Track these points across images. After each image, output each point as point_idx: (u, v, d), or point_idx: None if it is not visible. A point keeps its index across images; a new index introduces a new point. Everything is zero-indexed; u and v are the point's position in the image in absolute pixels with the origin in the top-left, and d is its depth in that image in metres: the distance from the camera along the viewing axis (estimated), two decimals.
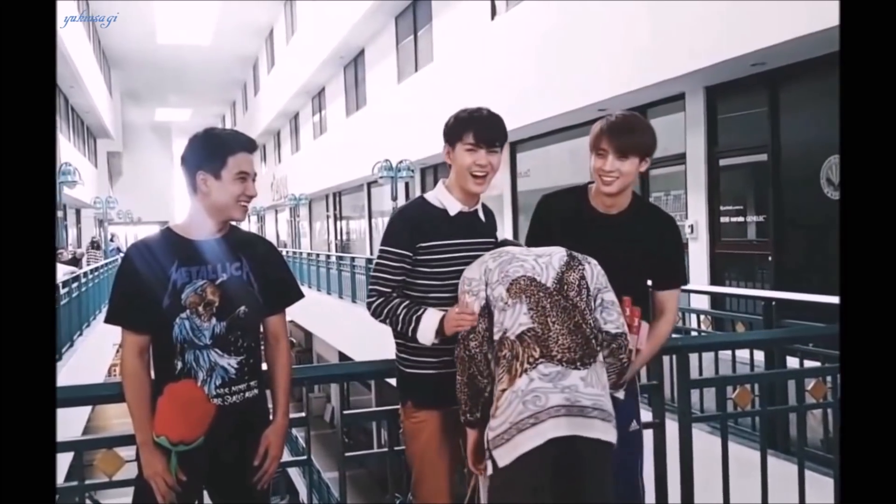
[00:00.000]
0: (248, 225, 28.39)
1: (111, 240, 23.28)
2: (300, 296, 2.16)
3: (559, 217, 2.26)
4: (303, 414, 2.36)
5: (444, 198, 2.15)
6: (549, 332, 1.86)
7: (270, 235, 30.63)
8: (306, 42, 19.75)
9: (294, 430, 9.59)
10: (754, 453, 2.84)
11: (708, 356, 4.78)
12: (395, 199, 13.24)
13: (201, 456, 1.91)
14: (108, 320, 1.96)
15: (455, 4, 11.96)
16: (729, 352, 4.41)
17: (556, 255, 1.99)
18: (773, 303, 4.68)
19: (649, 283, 2.26)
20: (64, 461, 4.36)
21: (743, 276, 6.94)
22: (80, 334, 9.88)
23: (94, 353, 10.79)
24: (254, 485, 2.00)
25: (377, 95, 16.19)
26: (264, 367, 2.10)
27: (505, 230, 10.50)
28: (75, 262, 13.24)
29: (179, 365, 1.91)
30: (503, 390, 1.84)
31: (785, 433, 4.17)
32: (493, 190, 11.18)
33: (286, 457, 2.15)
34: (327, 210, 22.66)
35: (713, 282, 7.02)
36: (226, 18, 22.19)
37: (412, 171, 13.21)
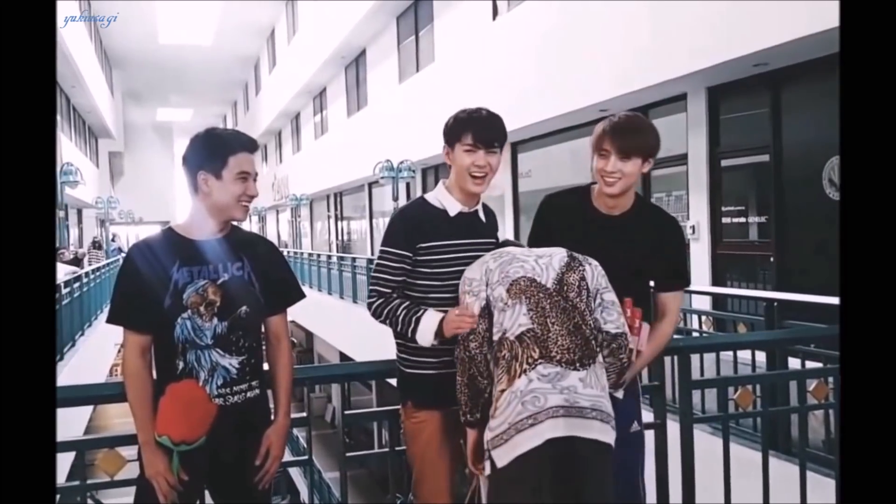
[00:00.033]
0: (250, 225, 28.41)
1: (112, 240, 23.31)
2: (301, 296, 2.16)
3: (561, 218, 2.26)
4: (304, 414, 2.36)
5: (444, 198, 2.15)
6: (549, 333, 1.86)
7: (271, 235, 30.65)
8: (308, 42, 19.76)
9: (295, 430, 9.60)
10: (756, 454, 2.84)
11: (709, 357, 4.78)
12: (396, 199, 13.24)
13: (203, 456, 1.91)
14: (109, 320, 1.97)
15: (456, 5, 11.96)
16: (730, 352, 4.42)
17: (556, 256, 1.99)
18: (775, 304, 4.67)
19: (651, 284, 2.25)
20: (66, 461, 4.37)
21: (744, 276, 6.94)
22: (82, 334, 9.90)
23: (95, 352, 10.81)
24: (255, 484, 2.00)
25: (378, 95, 16.19)
26: (265, 367, 2.10)
27: (506, 231, 10.50)
28: (77, 262, 13.25)
29: (181, 365, 1.91)
30: (502, 391, 1.84)
31: (786, 434, 4.16)
32: (495, 190, 11.22)
33: (287, 457, 2.15)
34: (328, 210, 22.68)
35: (715, 282, 7.02)
36: (227, 18, 22.20)
37: (413, 171, 13.21)
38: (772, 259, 6.42)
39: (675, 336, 2.41)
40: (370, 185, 17.57)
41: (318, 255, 17.24)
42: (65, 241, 15.34)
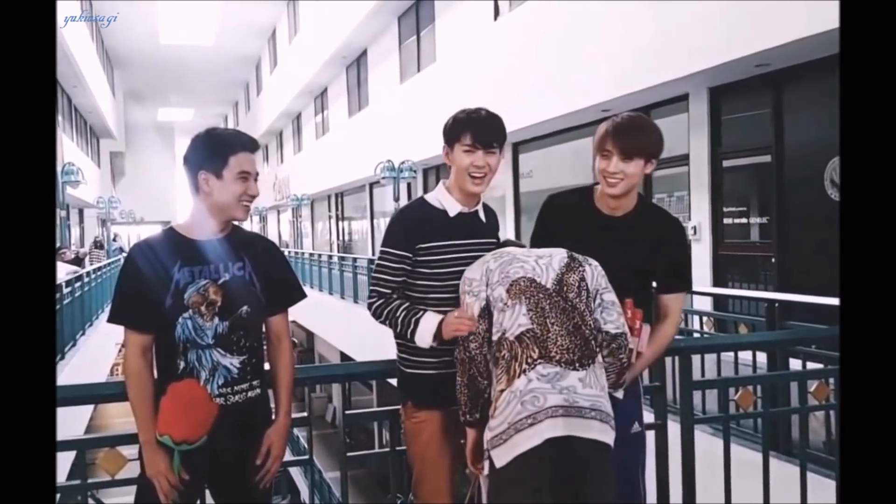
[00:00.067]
0: (251, 225, 28.43)
1: (114, 239, 23.33)
2: (302, 296, 2.16)
3: (564, 218, 2.25)
4: (305, 414, 2.36)
5: (444, 199, 2.15)
6: (548, 334, 1.86)
7: (272, 236, 30.66)
8: (309, 42, 19.76)
9: (296, 430, 9.60)
10: (756, 455, 2.83)
11: (710, 358, 4.78)
12: (397, 199, 13.24)
13: (203, 455, 1.91)
14: (111, 319, 1.97)
15: (458, 5, 11.96)
16: (731, 353, 4.42)
17: (556, 257, 1.99)
18: (776, 304, 4.67)
19: (654, 285, 2.25)
20: (67, 460, 4.36)
21: (746, 277, 6.93)
22: (83, 334, 9.91)
23: (96, 352, 10.82)
24: (256, 484, 2.01)
25: (380, 96, 16.19)
26: (266, 366, 2.10)
27: (507, 231, 10.50)
28: (78, 261, 13.27)
29: (182, 364, 1.92)
30: (501, 391, 1.84)
31: (787, 435, 4.16)
32: (496, 191, 11.23)
33: (288, 456, 2.15)
34: (329, 210, 22.68)
35: (716, 283, 7.02)
36: (228, 18, 22.23)
37: (414, 171, 13.21)
38: (773, 260, 6.42)
39: (676, 337, 2.41)
40: (371, 186, 17.57)
41: (319, 256, 17.24)
42: (66, 240, 15.36)
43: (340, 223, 21.89)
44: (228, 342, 1.94)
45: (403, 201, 13.17)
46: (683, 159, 7.32)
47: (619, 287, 2.02)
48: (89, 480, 2.08)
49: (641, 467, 2.23)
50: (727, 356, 4.63)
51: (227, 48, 25.51)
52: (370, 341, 6.63)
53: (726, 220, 7.04)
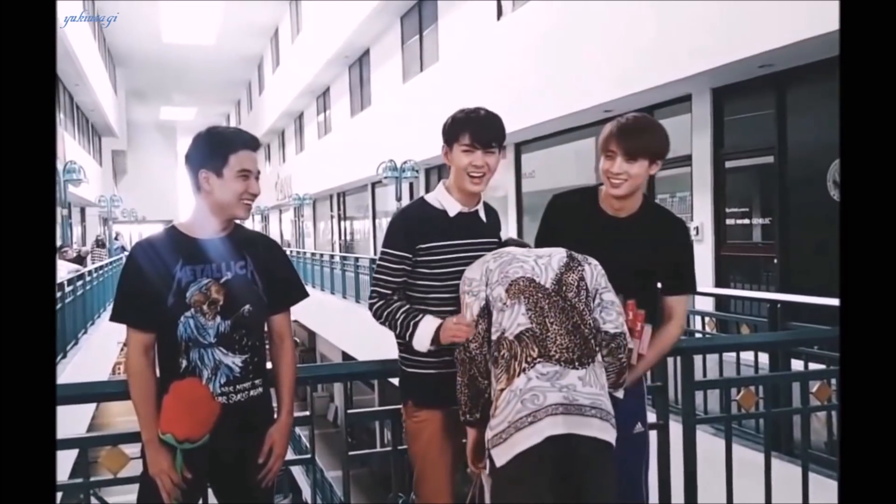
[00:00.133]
0: (252, 224, 28.42)
1: (115, 238, 23.33)
2: (304, 295, 2.15)
3: (568, 218, 2.25)
4: (307, 413, 2.36)
5: (444, 199, 2.15)
6: (548, 333, 1.87)
7: (274, 235, 30.68)
8: (311, 42, 19.77)
9: (298, 429, 9.59)
10: (758, 455, 2.83)
11: (712, 358, 4.77)
12: (399, 199, 13.25)
13: (205, 454, 1.91)
14: (113, 318, 1.97)
15: (461, 4, 11.96)
16: (733, 354, 4.41)
17: (555, 257, 1.99)
18: (778, 305, 4.67)
19: (659, 286, 2.24)
20: (69, 458, 4.36)
21: (748, 278, 6.93)
22: (85, 332, 9.92)
23: (98, 351, 10.83)
24: (257, 483, 2.01)
25: (382, 95, 16.19)
26: (269, 365, 2.10)
27: (509, 231, 10.50)
28: (80, 260, 13.30)
29: (184, 363, 1.92)
30: (501, 390, 1.84)
31: (789, 435, 4.16)
32: (498, 191, 11.23)
33: (290, 455, 2.15)
34: (331, 210, 22.69)
35: (718, 284, 7.01)
36: (231, 18, 22.24)
37: (416, 171, 13.21)
38: (775, 261, 6.41)
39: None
40: (373, 185, 17.57)
41: (321, 255, 17.25)
42: (68, 239, 15.38)
43: (342, 223, 21.89)
44: (230, 341, 1.94)
45: (405, 201, 13.17)
46: (686, 160, 7.31)
47: (622, 288, 2.02)
48: (92, 479, 2.07)
49: (644, 467, 2.23)
50: (729, 356, 4.62)
51: (230, 47, 25.53)
52: (372, 341, 6.63)
53: (729, 221, 7.04)
